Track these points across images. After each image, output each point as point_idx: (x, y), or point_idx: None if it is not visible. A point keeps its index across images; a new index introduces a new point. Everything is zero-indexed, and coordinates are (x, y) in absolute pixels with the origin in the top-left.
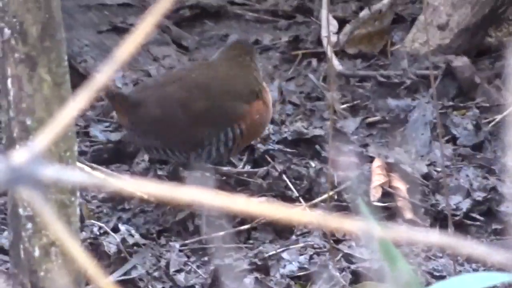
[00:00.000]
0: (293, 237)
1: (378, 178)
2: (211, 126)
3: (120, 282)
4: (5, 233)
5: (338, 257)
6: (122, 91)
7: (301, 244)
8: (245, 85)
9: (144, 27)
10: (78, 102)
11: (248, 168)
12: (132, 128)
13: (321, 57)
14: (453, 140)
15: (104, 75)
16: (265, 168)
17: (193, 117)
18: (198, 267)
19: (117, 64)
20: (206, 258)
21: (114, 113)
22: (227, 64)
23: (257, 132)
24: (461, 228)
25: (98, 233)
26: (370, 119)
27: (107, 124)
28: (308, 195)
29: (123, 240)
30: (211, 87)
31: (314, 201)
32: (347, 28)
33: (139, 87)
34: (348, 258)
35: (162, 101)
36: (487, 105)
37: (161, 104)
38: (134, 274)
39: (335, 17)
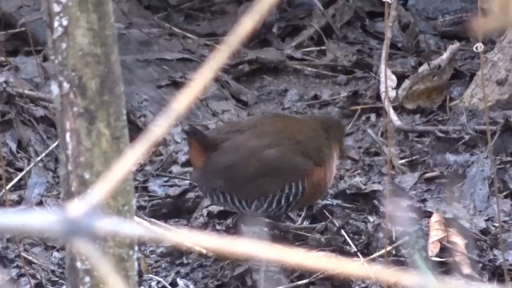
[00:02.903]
0: None
1: (436, 233)
2: (278, 176)
3: None
4: (64, 287)
5: None
6: (203, 131)
7: None
8: (316, 146)
9: (202, 82)
10: (136, 156)
11: (306, 223)
12: (204, 169)
13: (380, 112)
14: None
15: (162, 128)
16: (323, 223)
17: (264, 165)
18: None
19: (175, 118)
20: None
21: (172, 169)
22: (306, 123)
23: (316, 193)
24: None
25: (156, 287)
26: (429, 174)
27: (165, 179)
28: (366, 250)
29: None
30: (283, 137)
31: (372, 256)
32: (406, 83)
33: (220, 128)
34: None
35: (237, 147)
36: None
37: (235, 149)
38: None
39: (394, 73)
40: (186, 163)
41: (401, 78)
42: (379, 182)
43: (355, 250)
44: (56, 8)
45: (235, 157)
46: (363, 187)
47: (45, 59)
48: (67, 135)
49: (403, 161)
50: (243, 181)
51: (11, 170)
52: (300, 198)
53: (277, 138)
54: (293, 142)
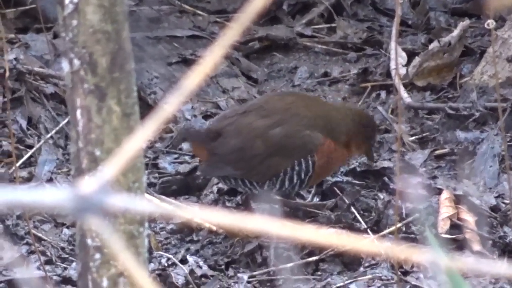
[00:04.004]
0: (361, 268)
1: (446, 210)
2: (286, 155)
3: None
4: (74, 264)
5: None
6: (197, 128)
7: (369, 276)
8: (326, 120)
9: (212, 59)
10: (146, 133)
11: (316, 200)
12: (212, 160)
13: (390, 89)
14: None
15: (172, 105)
16: (333, 200)
17: (270, 146)
18: None
19: (185, 95)
20: None
21: (183, 145)
22: (327, 102)
23: (327, 167)
24: None
25: (166, 264)
26: (439, 151)
27: (176, 156)
28: (376, 227)
29: (191, 272)
30: (289, 115)
31: (382, 233)
32: (416, 60)
33: (219, 118)
34: None
35: (241, 130)
36: None
37: (240, 133)
38: None
39: (404, 50)
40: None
41: (411, 55)
42: (389, 159)
43: (365, 227)
44: None
45: (240, 141)
46: (373, 164)
47: (55, 36)
48: (78, 112)
49: (413, 138)
50: (251, 163)
51: (21, 147)
52: (312, 174)
53: (282, 116)
54: (299, 118)
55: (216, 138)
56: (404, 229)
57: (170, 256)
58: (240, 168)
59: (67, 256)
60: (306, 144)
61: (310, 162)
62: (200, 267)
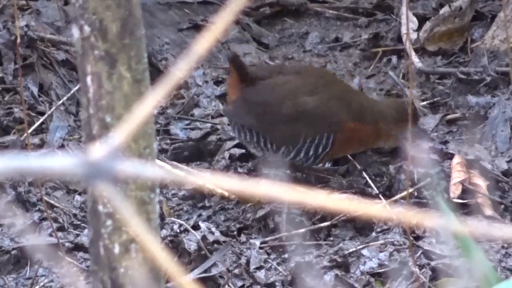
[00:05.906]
0: (373, 234)
1: (458, 175)
2: (310, 125)
3: (200, 279)
4: (86, 230)
5: (418, 254)
6: (247, 65)
7: (381, 241)
8: (360, 103)
9: (222, 24)
10: (157, 99)
11: (328, 165)
12: (238, 102)
13: (401, 54)
14: None
15: (183, 71)
16: (345, 165)
17: (297, 111)
18: (278, 264)
19: (196, 60)
20: (286, 255)
21: (194, 111)
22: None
23: (347, 148)
24: None
25: (178, 230)
26: (450, 116)
27: (187, 122)
28: (388, 192)
29: (204, 238)
30: (325, 88)
31: (394, 198)
32: (427, 25)
33: (263, 67)
34: (428, 254)
35: (274, 86)
36: None
37: (272, 88)
38: (214, 271)
39: (415, 15)
40: (221, 96)
41: (422, 20)
42: None
43: (377, 192)
44: None
45: (270, 96)
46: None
47: (66, 2)
48: (88, 79)
49: (424, 103)
50: (274, 121)
51: (33, 114)
52: (329, 151)
53: (317, 87)
54: (333, 93)
55: (250, 85)
56: (416, 194)
57: (182, 222)
58: (262, 122)
59: (79, 222)
60: (331, 122)
61: (331, 139)
62: (212, 233)
